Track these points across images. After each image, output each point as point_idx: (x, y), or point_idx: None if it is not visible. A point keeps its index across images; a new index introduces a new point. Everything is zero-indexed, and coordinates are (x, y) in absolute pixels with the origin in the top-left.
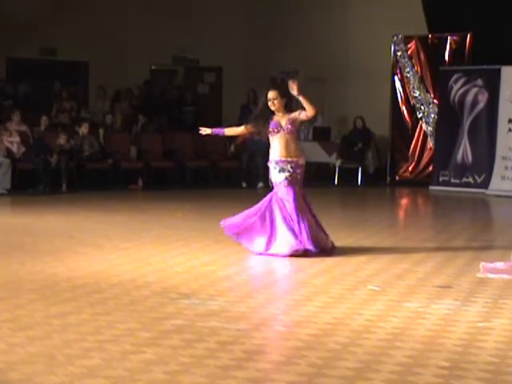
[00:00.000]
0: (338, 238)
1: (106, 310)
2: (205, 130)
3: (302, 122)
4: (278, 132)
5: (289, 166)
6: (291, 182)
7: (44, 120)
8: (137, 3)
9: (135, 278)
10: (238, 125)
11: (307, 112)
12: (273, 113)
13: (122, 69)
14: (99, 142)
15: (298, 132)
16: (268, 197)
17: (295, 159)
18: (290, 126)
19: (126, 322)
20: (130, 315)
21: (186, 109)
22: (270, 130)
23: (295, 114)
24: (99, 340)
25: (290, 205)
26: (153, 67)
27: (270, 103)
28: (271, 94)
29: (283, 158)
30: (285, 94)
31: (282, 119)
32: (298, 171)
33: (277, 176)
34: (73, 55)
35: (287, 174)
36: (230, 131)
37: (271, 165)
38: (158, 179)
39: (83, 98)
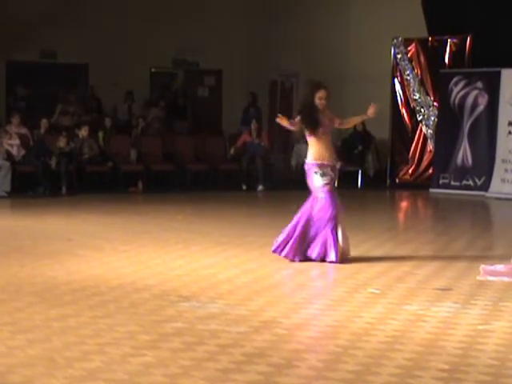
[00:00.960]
0: None
1: (105, 313)
2: (281, 119)
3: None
4: (324, 134)
5: (329, 168)
6: (331, 187)
7: (44, 123)
8: (137, 6)
9: (135, 281)
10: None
11: (344, 124)
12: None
13: (122, 71)
14: (99, 144)
15: None
16: (307, 204)
17: (332, 163)
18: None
19: (125, 325)
20: (130, 318)
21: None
22: (322, 129)
23: (334, 118)
24: (99, 343)
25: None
26: (153, 70)
27: (319, 102)
28: (323, 94)
29: (325, 162)
30: (331, 94)
31: (327, 120)
32: (334, 175)
33: (318, 180)
34: (73, 58)
35: (329, 178)
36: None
37: (312, 168)
38: (158, 182)
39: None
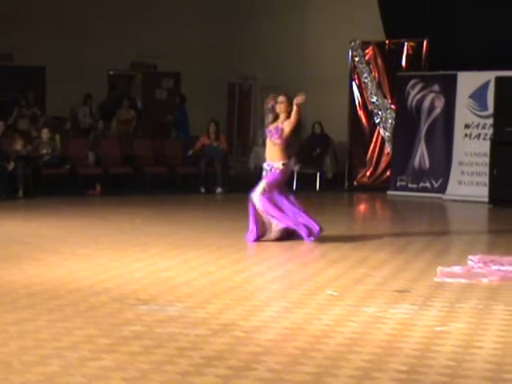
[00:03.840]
0: (296, 243)
1: (63, 317)
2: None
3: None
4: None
5: (268, 168)
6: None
7: (0, 125)
8: (95, 8)
9: (93, 284)
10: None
11: (290, 119)
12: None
13: (80, 74)
14: (57, 147)
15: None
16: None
17: (271, 162)
18: (275, 134)
19: (84, 329)
20: (88, 321)
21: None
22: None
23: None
24: (57, 347)
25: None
26: (111, 72)
27: (277, 106)
28: (281, 98)
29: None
30: (291, 101)
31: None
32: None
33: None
34: (30, 60)
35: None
36: None
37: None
38: (117, 185)
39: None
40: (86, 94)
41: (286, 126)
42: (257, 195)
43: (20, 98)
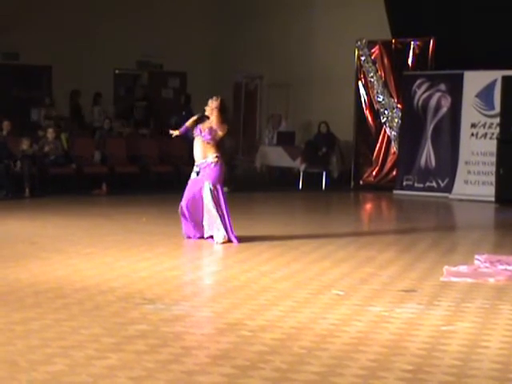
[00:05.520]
0: (302, 243)
1: (69, 316)
2: (174, 133)
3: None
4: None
5: (197, 168)
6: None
7: (6, 125)
8: (100, 7)
9: (99, 283)
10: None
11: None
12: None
13: (86, 73)
14: (62, 146)
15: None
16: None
17: (204, 160)
18: (207, 135)
19: (89, 328)
20: (94, 320)
21: (138, 103)
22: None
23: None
24: (63, 346)
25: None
26: (117, 71)
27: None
28: (209, 102)
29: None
30: (218, 106)
31: (206, 126)
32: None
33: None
34: (36, 59)
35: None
36: (188, 122)
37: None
38: (123, 184)
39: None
40: (96, 93)
41: (220, 129)
42: (210, 201)
43: (45, 97)
